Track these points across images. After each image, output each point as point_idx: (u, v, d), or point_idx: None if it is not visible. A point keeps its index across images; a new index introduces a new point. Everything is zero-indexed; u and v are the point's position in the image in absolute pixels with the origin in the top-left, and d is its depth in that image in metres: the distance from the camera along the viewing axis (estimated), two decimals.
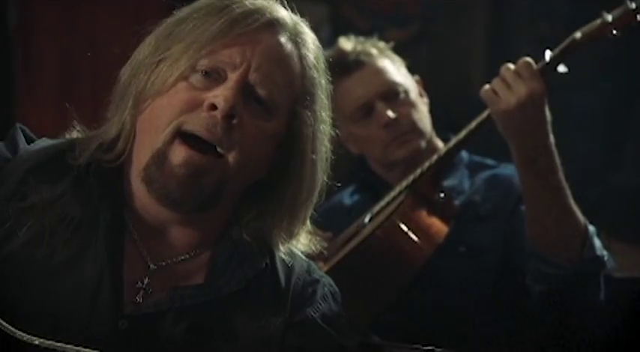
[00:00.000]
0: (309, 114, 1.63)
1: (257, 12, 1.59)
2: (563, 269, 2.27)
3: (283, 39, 1.60)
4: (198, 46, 1.56)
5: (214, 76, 1.57)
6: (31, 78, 3.53)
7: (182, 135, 1.55)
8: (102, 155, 1.61)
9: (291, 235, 1.67)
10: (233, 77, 1.56)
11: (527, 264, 2.34)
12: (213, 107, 1.54)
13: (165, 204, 1.58)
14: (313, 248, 1.72)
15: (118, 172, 1.63)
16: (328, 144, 1.67)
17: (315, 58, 1.64)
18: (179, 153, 1.54)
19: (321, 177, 1.66)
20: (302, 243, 1.70)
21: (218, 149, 1.56)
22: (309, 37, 1.65)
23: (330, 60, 2.58)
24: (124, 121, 1.61)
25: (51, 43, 3.53)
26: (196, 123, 1.54)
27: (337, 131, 1.70)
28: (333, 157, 1.68)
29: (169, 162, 1.55)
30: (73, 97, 3.29)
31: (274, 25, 1.60)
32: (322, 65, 1.66)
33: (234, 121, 1.55)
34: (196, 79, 1.57)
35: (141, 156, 1.59)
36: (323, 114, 1.66)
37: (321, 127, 1.65)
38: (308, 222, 1.69)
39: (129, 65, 1.62)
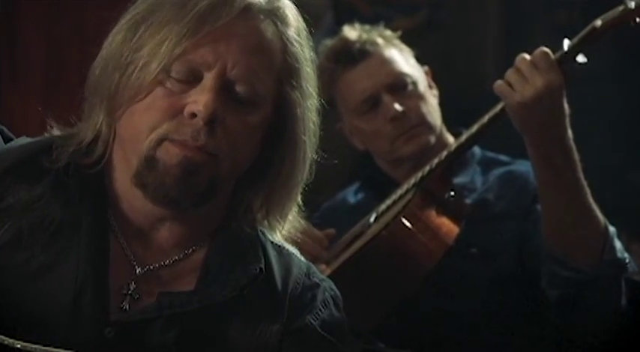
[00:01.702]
0: (297, 93, 1.62)
1: (227, 3, 1.55)
2: (582, 273, 2.25)
3: (258, 22, 1.58)
4: (168, 48, 1.53)
5: (190, 77, 1.55)
6: (17, 67, 3.52)
7: (168, 141, 1.55)
8: (80, 158, 1.61)
9: (284, 216, 1.69)
10: (209, 77, 1.54)
11: (543, 267, 2.32)
12: (194, 115, 1.54)
13: (163, 203, 1.57)
14: (297, 225, 1.73)
15: (98, 173, 1.62)
16: (316, 118, 1.67)
17: (296, 31, 1.62)
18: (172, 153, 1.54)
19: (312, 153, 1.67)
20: (289, 220, 1.71)
21: (207, 151, 1.56)
22: (288, 10, 1.62)
23: (334, 49, 2.63)
24: (99, 125, 1.60)
25: (37, 31, 3.52)
26: (181, 133, 1.54)
27: (323, 102, 1.70)
28: (320, 130, 1.69)
29: (163, 163, 1.54)
30: (60, 88, 3.28)
31: (247, 11, 1.57)
32: (304, 36, 1.64)
33: (216, 123, 1.55)
34: (171, 82, 1.55)
35: (125, 162, 1.59)
36: (310, 88, 1.65)
37: (309, 104, 1.65)
38: (298, 198, 1.70)
39: (99, 62, 1.60)
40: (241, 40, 1.56)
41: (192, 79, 1.55)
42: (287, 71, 1.61)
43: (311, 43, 1.66)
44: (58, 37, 3.53)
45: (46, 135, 1.66)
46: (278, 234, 1.71)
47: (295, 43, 1.61)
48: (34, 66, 3.54)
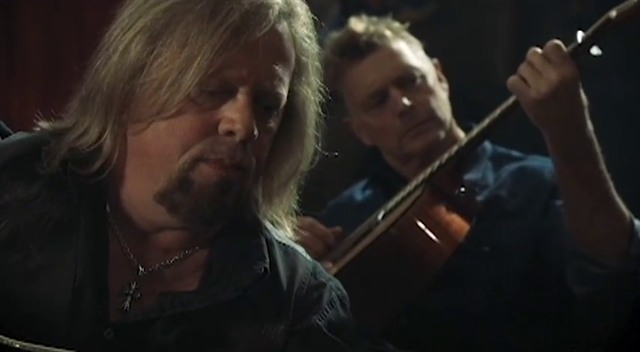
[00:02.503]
0: (306, 88, 1.65)
1: (258, 14, 1.55)
2: (609, 268, 2.23)
3: (279, 27, 1.59)
4: (201, 65, 1.52)
5: (221, 90, 1.56)
6: (14, 63, 3.52)
7: (204, 161, 1.56)
8: (77, 167, 1.59)
9: (287, 205, 1.70)
10: (243, 91, 1.55)
11: (568, 263, 2.31)
12: (231, 133, 1.55)
13: (195, 223, 1.59)
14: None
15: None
16: (318, 109, 1.69)
17: (306, 27, 1.64)
18: (208, 174, 1.55)
19: (315, 145, 1.69)
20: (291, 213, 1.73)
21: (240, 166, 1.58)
22: (299, 7, 1.64)
23: (340, 42, 2.63)
24: (104, 136, 1.58)
25: (35, 26, 3.52)
26: (217, 151, 1.55)
27: (330, 96, 1.72)
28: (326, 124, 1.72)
29: (198, 185, 1.55)
30: (59, 84, 3.27)
31: (277, 22, 1.58)
32: (312, 30, 1.66)
33: (252, 140, 1.57)
34: (203, 97, 1.55)
35: (144, 176, 1.59)
36: (317, 82, 1.67)
37: (315, 97, 1.67)
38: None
39: (108, 70, 1.57)
40: (270, 49, 1.57)
41: (223, 91, 1.55)
42: (298, 67, 1.63)
43: (317, 36, 1.68)
44: (56, 32, 3.53)
45: (39, 129, 1.65)
46: (285, 228, 1.72)
47: (307, 39, 1.64)
48: (32, 61, 3.54)
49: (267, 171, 1.66)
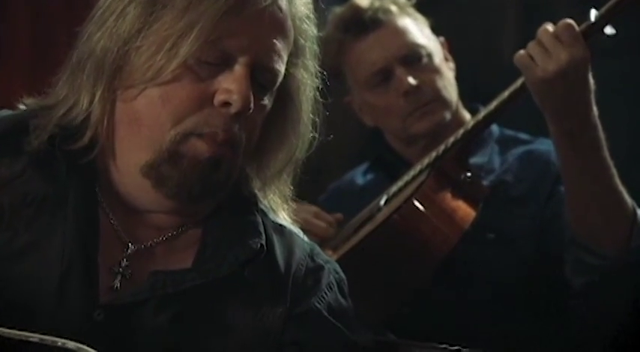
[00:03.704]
0: (302, 71, 1.65)
1: None
2: (608, 260, 2.24)
3: (285, 4, 1.60)
4: (202, 31, 1.53)
5: (220, 61, 1.56)
6: (1, 43, 3.52)
7: (196, 136, 1.56)
8: (66, 143, 1.59)
9: (282, 189, 1.71)
10: (243, 62, 1.55)
11: (566, 253, 2.31)
12: (227, 104, 1.55)
13: (182, 200, 1.59)
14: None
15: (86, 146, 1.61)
16: (316, 94, 1.69)
17: (306, 7, 1.65)
18: (200, 150, 1.55)
19: (311, 130, 1.69)
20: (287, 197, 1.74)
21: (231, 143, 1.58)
22: None
23: (343, 18, 2.62)
24: (94, 102, 1.58)
25: (23, 5, 3.52)
26: (212, 125, 1.55)
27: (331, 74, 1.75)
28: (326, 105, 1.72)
29: (188, 160, 1.55)
30: (47, 66, 3.27)
31: None
32: (311, 10, 1.67)
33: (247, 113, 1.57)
34: (200, 66, 1.55)
35: (131, 145, 1.58)
36: (314, 65, 1.68)
37: (312, 81, 1.67)
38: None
39: (103, 33, 1.57)
40: (272, 22, 1.57)
41: (222, 62, 1.55)
42: (296, 49, 1.64)
43: (316, 18, 1.68)
44: (45, 12, 3.52)
45: (25, 106, 1.66)
46: (282, 214, 1.72)
47: (306, 19, 1.64)
48: (20, 42, 3.54)
49: (262, 158, 1.67)
